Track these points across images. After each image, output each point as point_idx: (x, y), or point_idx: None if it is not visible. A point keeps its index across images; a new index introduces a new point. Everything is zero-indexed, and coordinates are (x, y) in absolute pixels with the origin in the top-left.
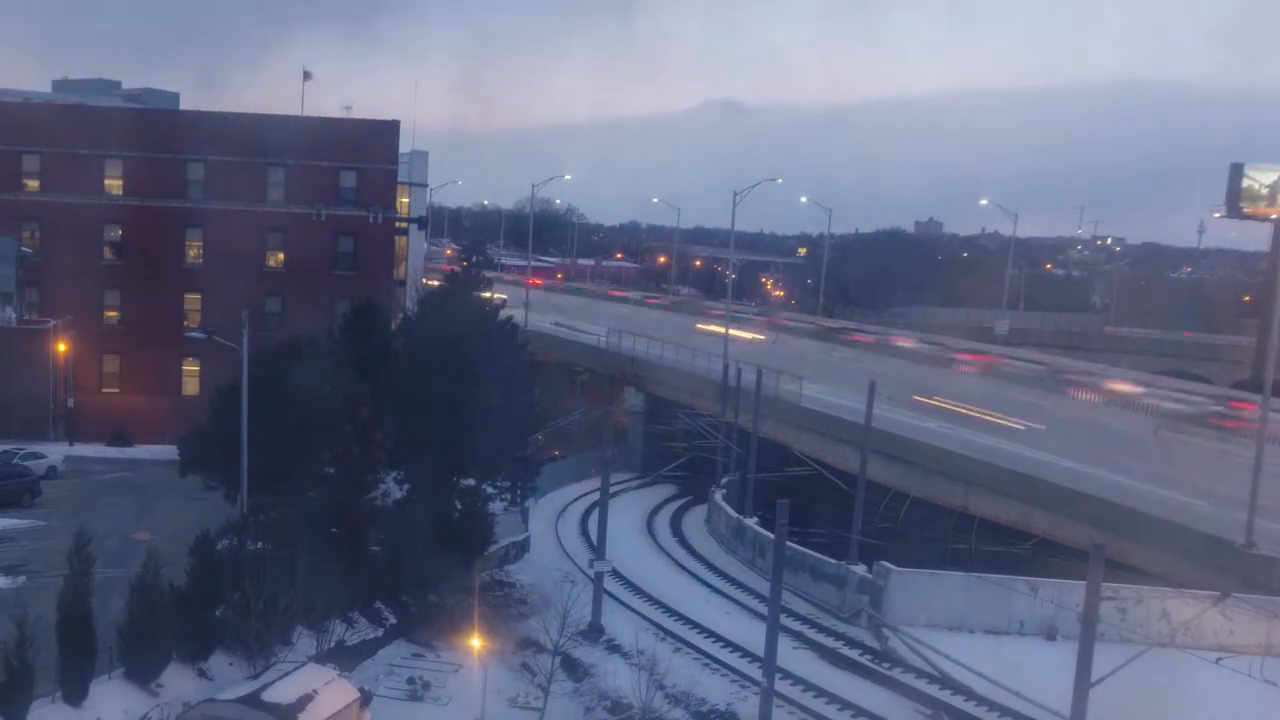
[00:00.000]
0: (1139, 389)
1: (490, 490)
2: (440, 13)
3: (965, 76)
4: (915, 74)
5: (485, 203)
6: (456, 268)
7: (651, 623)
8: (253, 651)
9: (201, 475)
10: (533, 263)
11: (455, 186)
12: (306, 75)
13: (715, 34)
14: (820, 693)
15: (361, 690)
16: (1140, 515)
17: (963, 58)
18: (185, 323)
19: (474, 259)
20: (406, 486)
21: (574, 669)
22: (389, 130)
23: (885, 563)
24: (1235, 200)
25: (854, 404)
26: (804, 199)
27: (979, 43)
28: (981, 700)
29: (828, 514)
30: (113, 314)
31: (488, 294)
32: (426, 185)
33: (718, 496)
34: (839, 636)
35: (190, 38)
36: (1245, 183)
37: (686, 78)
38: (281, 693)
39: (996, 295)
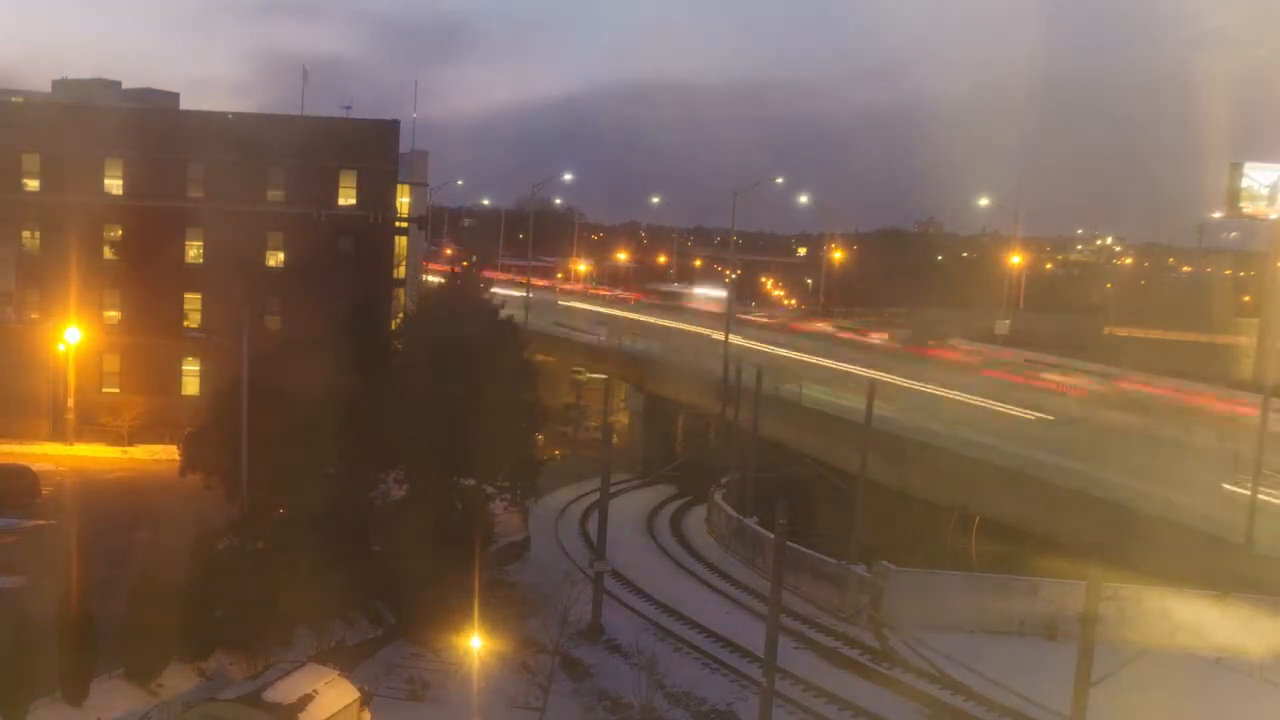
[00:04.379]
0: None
1: (490, 490)
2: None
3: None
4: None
5: (485, 202)
6: (456, 268)
7: (651, 623)
8: (253, 651)
9: (201, 475)
10: (532, 263)
11: (456, 186)
12: (306, 75)
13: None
14: (820, 693)
15: (361, 690)
16: (1140, 515)
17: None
18: (185, 322)
19: (473, 259)
20: (406, 486)
21: (574, 669)
22: (389, 130)
23: (885, 563)
24: (1235, 200)
25: (853, 404)
26: (804, 198)
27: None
28: (981, 700)
29: (828, 514)
30: (113, 314)
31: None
32: (426, 185)
33: (717, 496)
34: (839, 636)
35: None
36: (1245, 182)
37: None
38: (281, 693)
39: (997, 295)
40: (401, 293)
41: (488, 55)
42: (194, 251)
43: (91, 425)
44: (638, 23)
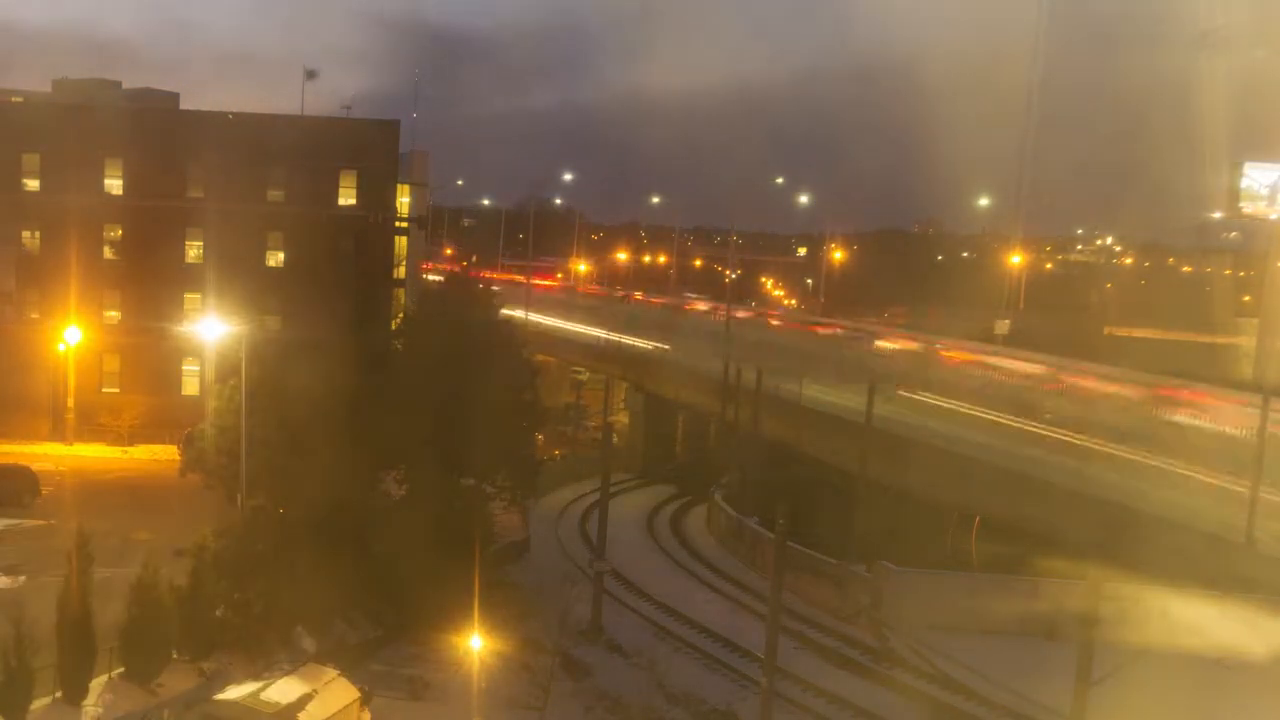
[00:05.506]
0: None
1: (490, 490)
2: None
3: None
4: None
5: (485, 202)
6: (456, 267)
7: (652, 622)
8: (253, 651)
9: (201, 475)
10: (533, 263)
11: (456, 186)
12: (308, 75)
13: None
14: (820, 693)
15: (361, 690)
16: (1140, 514)
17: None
18: (185, 322)
19: (473, 259)
20: (406, 486)
21: (574, 669)
22: (389, 130)
23: (885, 563)
24: (1235, 200)
25: (853, 403)
26: (804, 198)
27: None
28: (982, 700)
29: (828, 514)
30: (113, 314)
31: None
32: (426, 185)
33: (717, 496)
34: (839, 636)
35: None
36: (1245, 182)
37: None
38: (281, 693)
39: (997, 295)
40: (401, 293)
41: (485, 55)
42: (194, 251)
43: (91, 425)
44: (635, 22)
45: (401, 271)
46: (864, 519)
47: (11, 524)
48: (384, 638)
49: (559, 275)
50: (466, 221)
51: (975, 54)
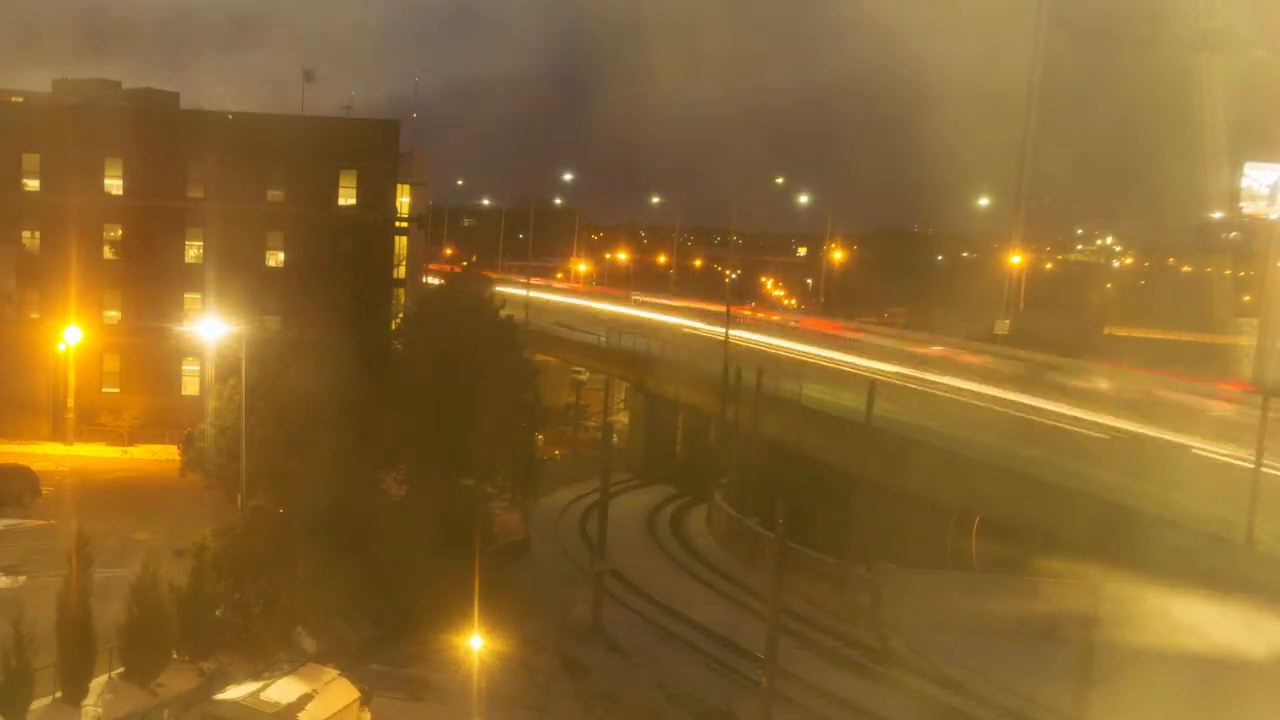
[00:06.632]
0: None
1: (490, 490)
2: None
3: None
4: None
5: (485, 201)
6: (456, 267)
7: (652, 622)
8: (253, 651)
9: (201, 475)
10: (532, 263)
11: (455, 186)
12: (308, 75)
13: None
14: (820, 693)
15: (361, 690)
16: (1141, 514)
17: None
18: (185, 322)
19: (473, 259)
20: (406, 486)
21: (574, 669)
22: (389, 130)
23: (885, 562)
24: (1235, 200)
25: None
26: (805, 198)
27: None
28: (981, 700)
29: (828, 514)
30: (113, 314)
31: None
32: (426, 185)
33: (717, 496)
34: (839, 636)
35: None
36: (1245, 181)
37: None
38: (281, 693)
39: (997, 295)
40: (401, 293)
41: (486, 54)
42: (194, 251)
43: (91, 425)
44: (635, 22)
45: (401, 271)
46: (864, 519)
47: (11, 524)
48: (384, 638)
49: (558, 275)
50: (466, 221)
51: (975, 54)
